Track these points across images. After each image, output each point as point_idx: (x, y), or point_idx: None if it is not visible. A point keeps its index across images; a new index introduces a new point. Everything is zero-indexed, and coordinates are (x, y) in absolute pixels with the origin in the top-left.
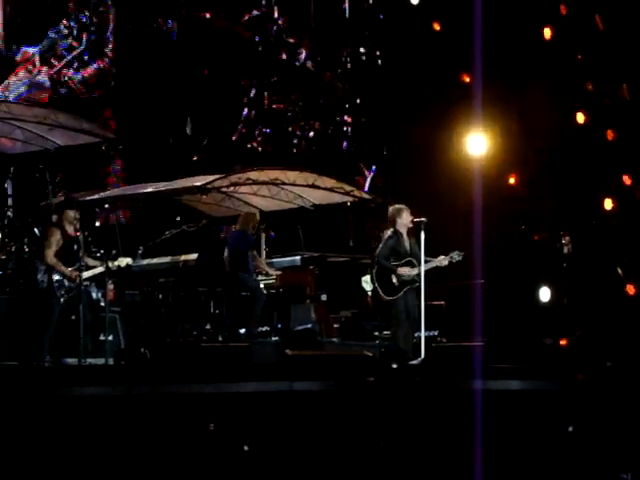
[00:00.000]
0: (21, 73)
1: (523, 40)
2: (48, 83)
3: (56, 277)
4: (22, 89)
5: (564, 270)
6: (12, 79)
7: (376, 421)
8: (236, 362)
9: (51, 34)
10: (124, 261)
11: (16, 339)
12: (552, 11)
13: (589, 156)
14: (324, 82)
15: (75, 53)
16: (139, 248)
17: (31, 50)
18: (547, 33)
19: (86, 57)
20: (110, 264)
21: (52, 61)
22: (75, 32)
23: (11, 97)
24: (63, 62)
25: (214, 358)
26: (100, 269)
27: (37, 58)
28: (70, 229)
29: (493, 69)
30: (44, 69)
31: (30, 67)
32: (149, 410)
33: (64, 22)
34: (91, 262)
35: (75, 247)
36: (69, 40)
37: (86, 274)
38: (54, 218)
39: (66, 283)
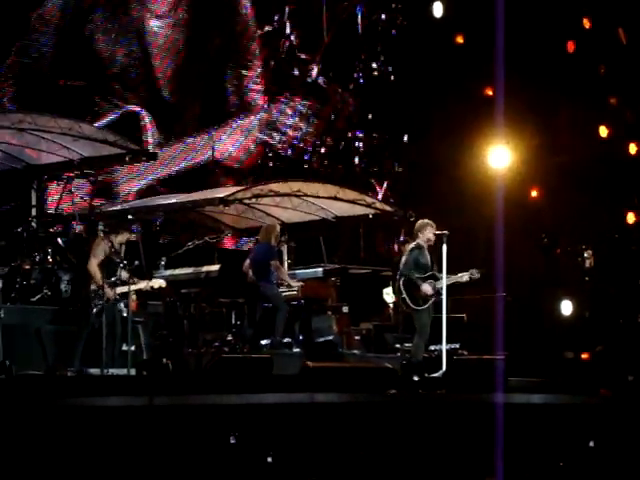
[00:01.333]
0: None
1: (546, 54)
2: None
3: (92, 287)
4: None
5: (586, 284)
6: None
7: (397, 433)
8: (258, 373)
9: None
10: (157, 283)
11: (41, 349)
12: (575, 25)
13: (612, 170)
14: (336, 97)
15: None
16: (161, 259)
17: None
18: (570, 47)
19: None
20: (145, 284)
21: None
22: None
23: None
24: None
25: (236, 369)
26: (138, 286)
27: None
28: (116, 243)
29: (516, 82)
30: None
31: None
32: (171, 420)
33: None
34: (125, 276)
35: (117, 261)
36: None
37: (121, 289)
38: (100, 231)
39: (101, 294)
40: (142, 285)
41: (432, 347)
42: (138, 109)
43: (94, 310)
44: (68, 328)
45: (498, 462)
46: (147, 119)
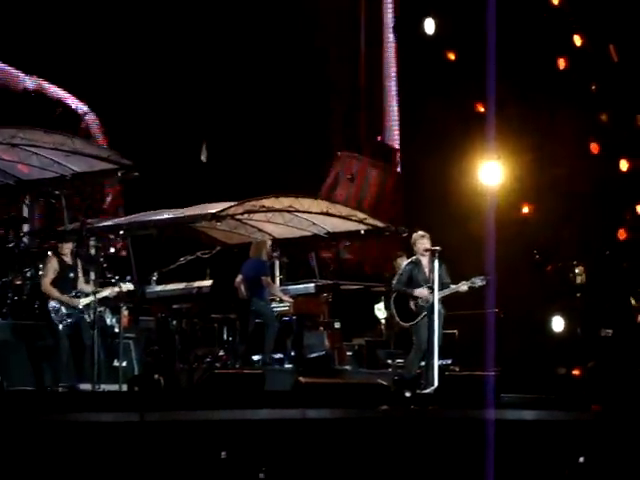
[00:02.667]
0: None
1: (537, 70)
2: None
3: (52, 304)
4: None
5: (578, 300)
6: None
7: (388, 449)
8: (249, 389)
9: None
10: (125, 287)
11: (32, 364)
12: (566, 42)
13: (603, 186)
14: None
15: None
16: (153, 274)
17: None
18: (561, 63)
19: None
20: (111, 291)
21: None
22: None
23: None
24: None
25: (228, 385)
26: (103, 293)
27: None
28: (67, 257)
29: (507, 98)
30: None
31: None
32: (162, 436)
33: None
34: (87, 289)
35: (72, 275)
36: None
37: (85, 300)
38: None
39: (63, 310)
40: (107, 292)
41: (422, 363)
42: None
43: (60, 326)
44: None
45: (489, 478)
46: None
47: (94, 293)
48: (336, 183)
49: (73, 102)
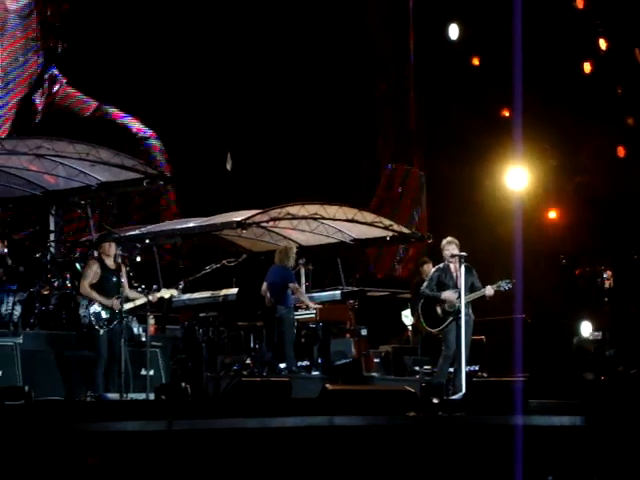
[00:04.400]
0: None
1: (563, 75)
2: None
3: (93, 309)
4: None
5: (605, 304)
6: None
7: (417, 456)
8: (276, 397)
9: None
10: (167, 292)
11: (60, 374)
12: (592, 46)
13: (630, 190)
14: None
15: None
16: (180, 283)
17: None
18: (587, 67)
19: None
20: (151, 296)
21: None
22: None
23: None
24: None
25: (255, 393)
26: (142, 300)
27: None
28: (109, 262)
29: (533, 103)
30: None
31: None
32: (190, 445)
33: None
34: (132, 294)
35: (115, 279)
36: None
37: (127, 305)
38: (95, 252)
39: (103, 315)
40: (143, 300)
41: (450, 369)
42: None
43: (101, 332)
44: (87, 353)
45: None
46: None
47: (132, 300)
48: (388, 195)
49: (135, 126)
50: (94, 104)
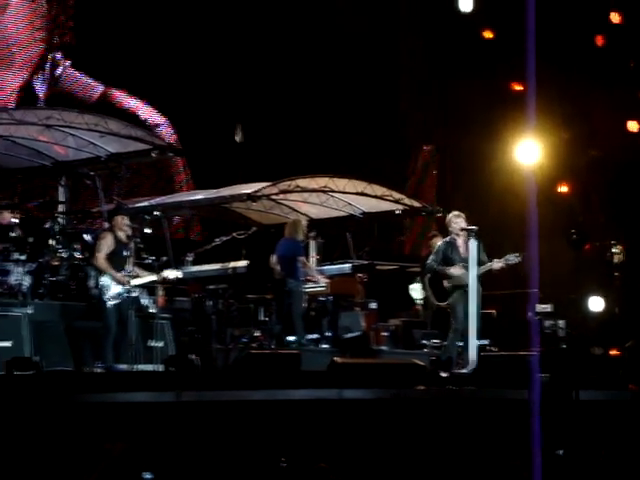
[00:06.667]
0: None
1: (575, 48)
2: None
3: (103, 280)
4: None
5: (616, 279)
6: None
7: (425, 430)
8: (285, 369)
9: None
10: (173, 274)
11: (70, 345)
12: (604, 19)
13: None
14: None
15: None
16: (189, 255)
17: None
18: (599, 41)
19: None
20: (157, 276)
21: None
22: None
23: None
24: None
25: (263, 365)
26: (149, 278)
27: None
28: (121, 235)
29: (545, 76)
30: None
31: None
32: (198, 416)
33: None
34: (139, 272)
35: (125, 253)
36: None
37: (135, 281)
38: (106, 224)
39: (114, 288)
40: (152, 278)
41: (459, 343)
42: None
43: (109, 304)
44: (97, 324)
45: (536, 457)
46: None
47: (139, 276)
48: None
49: (145, 112)
50: (101, 88)
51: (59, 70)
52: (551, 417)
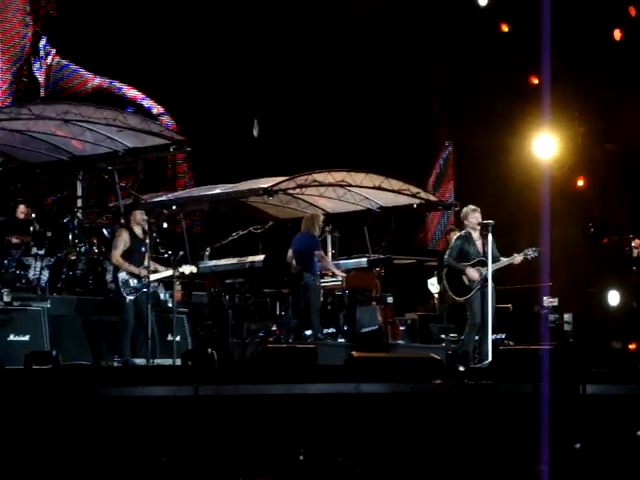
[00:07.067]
0: None
1: (592, 41)
2: None
3: (121, 276)
4: None
5: (633, 273)
6: None
7: (442, 424)
8: (302, 363)
9: None
10: (188, 269)
11: (88, 339)
12: (622, 12)
13: None
14: None
15: None
16: (206, 249)
17: None
18: (617, 34)
19: None
20: (174, 271)
21: None
22: None
23: None
24: None
25: (280, 359)
26: (167, 273)
27: None
28: (138, 230)
29: (562, 70)
30: None
31: None
32: (216, 410)
33: None
34: (157, 267)
35: (143, 249)
36: None
37: (153, 276)
38: (123, 220)
39: (132, 283)
40: (169, 273)
41: (476, 337)
42: None
43: (128, 299)
44: (114, 318)
45: (544, 452)
46: None
47: (154, 271)
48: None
49: (146, 102)
50: (91, 77)
51: (49, 59)
52: (560, 411)
